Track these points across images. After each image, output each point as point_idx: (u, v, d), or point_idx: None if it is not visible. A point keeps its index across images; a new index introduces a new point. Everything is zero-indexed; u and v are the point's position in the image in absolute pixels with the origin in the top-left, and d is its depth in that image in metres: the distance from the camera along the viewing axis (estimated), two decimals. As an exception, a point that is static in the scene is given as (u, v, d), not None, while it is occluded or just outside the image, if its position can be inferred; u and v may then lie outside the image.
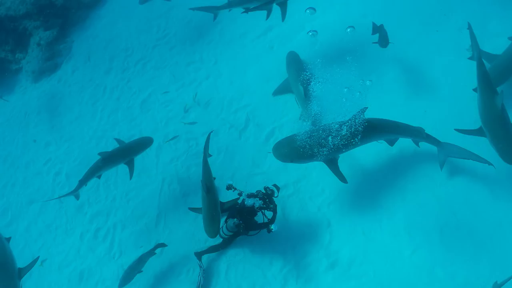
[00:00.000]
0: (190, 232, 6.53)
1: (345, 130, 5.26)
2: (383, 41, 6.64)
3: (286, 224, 6.14)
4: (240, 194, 5.84)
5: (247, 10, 7.12)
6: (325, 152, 5.34)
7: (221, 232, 5.89)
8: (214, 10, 7.98)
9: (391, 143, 5.82)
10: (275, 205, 5.81)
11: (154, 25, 9.70)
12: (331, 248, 5.86)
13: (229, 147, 7.25)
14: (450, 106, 6.36)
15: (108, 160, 6.46)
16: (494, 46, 6.37)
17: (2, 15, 10.31)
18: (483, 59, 5.36)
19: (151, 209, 7.10)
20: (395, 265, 5.51)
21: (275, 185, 5.90)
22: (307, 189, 6.39)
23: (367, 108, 5.26)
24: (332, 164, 5.61)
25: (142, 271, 6.12)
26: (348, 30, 6.95)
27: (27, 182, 8.52)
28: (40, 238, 7.60)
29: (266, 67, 7.90)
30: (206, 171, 5.85)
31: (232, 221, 5.76)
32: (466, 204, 5.62)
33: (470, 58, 6.20)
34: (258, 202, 5.67)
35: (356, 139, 5.30)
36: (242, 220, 5.73)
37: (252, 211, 5.71)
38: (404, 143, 6.02)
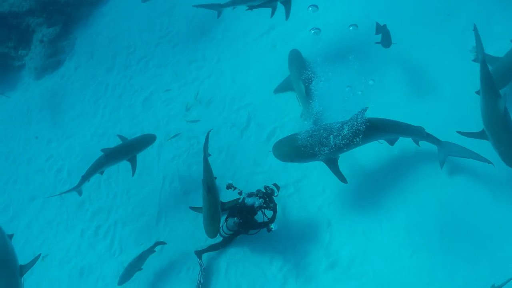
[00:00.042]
0: (191, 231, 6.54)
1: (345, 129, 5.26)
2: (386, 41, 6.63)
3: (286, 224, 6.15)
4: (240, 193, 5.84)
5: (251, 8, 7.11)
6: (325, 152, 5.33)
7: (221, 231, 5.90)
8: (218, 7, 7.97)
9: (392, 142, 5.82)
10: (275, 204, 5.81)
11: (157, 23, 9.70)
12: (331, 248, 5.87)
13: (230, 146, 7.25)
14: (453, 108, 6.34)
15: (111, 156, 6.47)
16: (497, 48, 6.34)
17: (5, 11, 10.31)
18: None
19: (152, 207, 7.11)
20: (395, 266, 5.51)
21: (275, 184, 5.91)
22: (308, 188, 6.39)
23: (367, 108, 5.25)
24: (332, 164, 5.61)
25: (142, 268, 6.14)
26: (351, 28, 6.93)
27: (29, 179, 8.54)
28: (41, 235, 7.63)
29: (269, 66, 7.89)
30: (207, 170, 5.85)
31: (232, 220, 5.77)
32: (467, 205, 5.61)
33: (474, 60, 6.18)
34: (258, 201, 5.67)
35: (356, 138, 5.30)
36: (242, 219, 5.73)
37: (252, 210, 5.72)
38: (405, 143, 6.01)
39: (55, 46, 10.33)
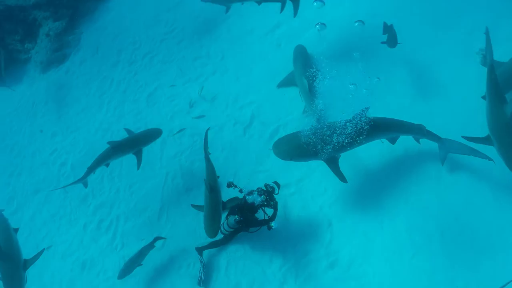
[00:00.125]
0: (192, 227, 6.57)
1: (346, 128, 5.25)
2: (392, 41, 6.59)
3: (287, 223, 6.17)
4: (241, 191, 5.86)
5: (259, 2, 7.09)
6: (325, 151, 5.33)
7: (222, 228, 5.93)
8: (227, 3, 7.95)
9: (393, 141, 5.81)
10: (276, 202, 5.82)
11: (163, 19, 9.70)
12: (331, 247, 5.89)
13: (233, 144, 7.27)
14: (457, 110, 6.31)
15: (117, 149, 6.51)
16: (504, 51, 6.27)
17: (12, 4, 10.35)
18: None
19: (154, 202, 7.16)
20: (395, 267, 5.52)
21: (275, 182, 5.91)
22: (309, 188, 6.40)
23: (369, 107, 5.23)
24: (333, 163, 5.61)
25: (142, 264, 6.20)
26: (356, 24, 6.85)
27: (33, 172, 8.61)
28: (45, 227, 7.71)
29: (273, 64, 7.88)
30: (210, 169, 5.87)
31: (233, 218, 5.79)
32: (469, 208, 5.60)
33: (483, 64, 6.12)
34: (259, 198, 5.68)
35: (357, 138, 5.29)
36: (243, 217, 5.75)
37: (253, 208, 5.73)
38: (407, 144, 6.01)
39: (61, 40, 10.37)
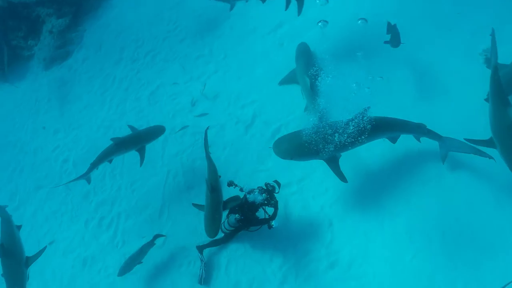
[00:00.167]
0: (193, 225, 6.58)
1: (347, 128, 5.24)
2: (395, 41, 6.57)
3: (287, 222, 6.17)
4: (241, 190, 5.86)
5: (264, 0, 7.09)
6: (326, 150, 5.32)
7: (223, 227, 5.95)
8: (231, 0, 7.95)
9: (394, 140, 5.80)
10: (276, 201, 5.82)
11: (165, 17, 9.71)
12: (331, 247, 5.88)
13: (235, 143, 7.27)
14: (459, 111, 6.27)
15: (120, 145, 6.54)
16: (508, 52, 6.25)
17: (16, 1, 10.38)
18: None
19: (155, 200, 7.18)
20: (395, 268, 5.51)
21: (276, 181, 5.91)
22: (311, 188, 6.40)
23: (370, 107, 5.22)
24: (333, 162, 5.60)
25: (142, 262, 6.22)
26: (359, 22, 6.83)
27: (35, 168, 8.66)
28: (46, 224, 7.75)
29: (275, 64, 7.87)
30: (212, 169, 5.87)
31: (234, 217, 5.80)
32: (469, 210, 5.58)
33: (488, 66, 6.09)
34: (260, 197, 5.67)
35: (358, 137, 5.29)
36: (244, 216, 5.76)
37: (253, 206, 5.74)
38: (408, 144, 5.99)
39: (64, 37, 10.41)
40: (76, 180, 6.74)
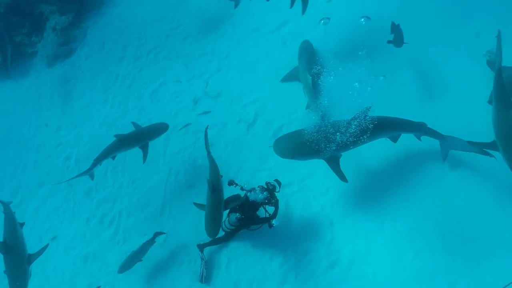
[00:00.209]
0: (194, 223, 6.60)
1: (348, 127, 5.23)
2: (398, 41, 6.54)
3: (288, 222, 6.18)
4: (242, 189, 5.87)
5: None
6: (326, 150, 5.32)
7: (224, 226, 5.96)
8: None
9: (395, 139, 5.79)
10: (277, 200, 5.82)
11: (168, 15, 9.70)
12: (332, 247, 5.89)
13: (236, 142, 7.28)
14: (462, 113, 6.24)
15: (123, 142, 6.56)
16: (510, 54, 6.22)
17: (19, -2, 10.42)
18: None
19: (157, 198, 7.20)
20: (396, 269, 5.51)
21: (276, 180, 5.91)
22: (312, 188, 6.40)
23: (371, 106, 5.21)
24: (333, 162, 5.59)
25: (142, 260, 6.24)
26: (362, 20, 6.79)
27: (38, 165, 8.69)
28: (48, 220, 7.79)
29: (278, 63, 7.85)
30: (213, 169, 5.86)
31: (234, 216, 5.81)
32: (470, 211, 5.58)
33: (491, 68, 6.05)
34: (261, 196, 5.67)
35: (359, 137, 5.28)
36: (244, 215, 5.77)
37: (254, 206, 5.74)
38: (410, 145, 5.99)
39: (67, 35, 10.41)
40: (80, 176, 6.75)
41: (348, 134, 5.27)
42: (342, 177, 5.66)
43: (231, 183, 5.90)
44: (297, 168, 6.52)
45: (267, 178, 6.13)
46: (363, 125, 5.25)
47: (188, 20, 9.43)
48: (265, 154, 6.92)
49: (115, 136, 6.56)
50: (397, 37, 6.54)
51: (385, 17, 7.00)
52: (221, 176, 5.94)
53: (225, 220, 5.94)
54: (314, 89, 6.53)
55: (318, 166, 6.38)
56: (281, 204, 5.98)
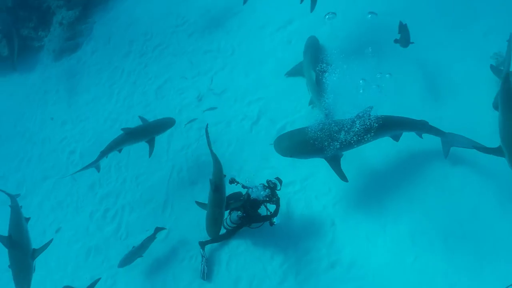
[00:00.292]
0: (196, 220, 6.62)
1: (350, 126, 5.21)
2: (404, 41, 6.49)
3: (289, 221, 6.18)
4: (244, 187, 5.88)
5: None
6: (326, 149, 5.30)
7: (225, 224, 5.98)
8: None
9: (397, 138, 5.77)
10: (278, 198, 5.82)
11: (174, 11, 9.70)
12: (333, 247, 5.89)
13: (240, 139, 7.29)
14: (468, 114, 6.19)
15: (130, 135, 6.61)
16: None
17: (27, -8, 10.48)
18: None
19: (159, 194, 7.24)
20: (396, 271, 5.50)
21: (277, 178, 5.90)
22: (314, 187, 6.39)
23: (373, 106, 5.18)
24: (334, 161, 5.56)
25: (142, 256, 6.30)
26: (369, 16, 6.73)
27: (43, 159, 8.78)
28: (52, 214, 7.86)
29: (283, 61, 7.82)
30: (217, 168, 5.85)
31: (236, 214, 5.83)
32: (474, 216, 5.54)
33: (494, 74, 6.00)
34: (263, 193, 5.66)
35: (360, 136, 5.25)
36: (245, 213, 5.78)
37: (255, 204, 5.75)
38: (413, 146, 5.97)
39: (74, 29, 10.46)
40: (87, 168, 6.79)
41: (349, 133, 5.25)
42: (343, 177, 5.65)
43: (232, 181, 5.90)
44: (300, 167, 6.52)
45: (270, 176, 6.12)
46: (365, 124, 5.22)
47: (193, 16, 9.42)
48: (268, 153, 6.91)
49: (122, 129, 6.61)
50: (404, 37, 6.49)
51: (392, 15, 6.93)
52: (225, 175, 5.92)
53: (226, 218, 5.96)
54: (318, 86, 6.50)
55: (320, 166, 6.34)
56: (283, 203, 5.98)
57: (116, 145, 6.62)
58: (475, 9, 7.16)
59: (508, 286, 4.58)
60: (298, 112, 7.20)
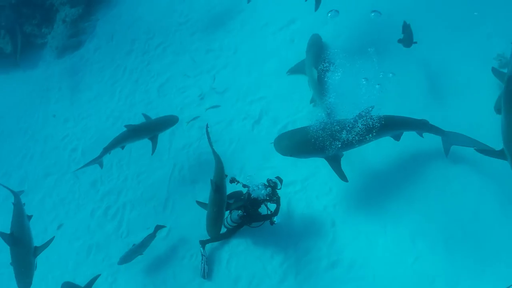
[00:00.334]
0: (196, 219, 6.61)
1: (350, 126, 5.20)
2: (407, 41, 6.47)
3: (290, 221, 6.18)
4: (244, 186, 5.88)
5: None
6: (326, 148, 5.29)
7: (225, 223, 5.98)
8: None
9: (397, 138, 5.75)
10: (278, 197, 5.81)
11: (177, 9, 9.70)
12: (333, 248, 5.88)
13: (241, 138, 7.28)
14: (470, 117, 6.15)
15: (133, 132, 6.63)
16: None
17: (30, -11, 10.52)
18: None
19: (160, 192, 7.25)
20: (396, 272, 5.49)
21: (278, 177, 5.89)
22: (315, 187, 6.38)
23: (374, 106, 5.17)
24: (334, 161, 5.55)
25: (143, 253, 6.31)
26: (372, 14, 6.68)
27: (45, 156, 8.81)
28: (53, 211, 7.90)
29: (285, 60, 7.80)
30: (218, 168, 5.85)
31: (237, 213, 5.83)
32: (474, 218, 5.51)
33: (496, 76, 5.97)
34: (263, 192, 5.64)
35: (360, 136, 5.24)
36: (246, 212, 5.78)
37: (256, 203, 5.75)
38: (415, 148, 5.95)
39: (77, 27, 10.49)
40: (90, 165, 6.81)
41: (349, 133, 5.24)
42: (343, 177, 5.63)
43: (232, 180, 5.91)
44: (301, 167, 6.51)
45: (271, 176, 6.12)
46: (366, 124, 5.21)
47: (196, 15, 9.42)
48: (269, 152, 6.87)
49: (126, 126, 6.62)
50: (407, 37, 6.47)
51: (396, 15, 6.91)
52: (226, 175, 5.91)
53: (227, 217, 5.96)
54: (319, 84, 6.49)
55: (321, 166, 6.34)
56: (283, 202, 5.97)
57: (119, 142, 6.65)
58: (479, 10, 7.11)
59: (509, 287, 4.55)
60: (300, 111, 7.19)
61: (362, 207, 6.04)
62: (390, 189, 6.02)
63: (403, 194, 5.94)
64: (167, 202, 7.12)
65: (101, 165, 6.86)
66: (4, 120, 9.93)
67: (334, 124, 5.31)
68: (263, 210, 5.92)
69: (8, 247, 5.46)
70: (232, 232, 6.18)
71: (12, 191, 6.23)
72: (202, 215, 6.47)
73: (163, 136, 7.45)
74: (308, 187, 6.42)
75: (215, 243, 6.30)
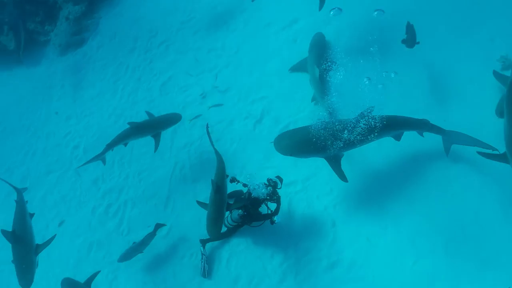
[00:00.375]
0: (197, 218, 6.62)
1: (351, 126, 5.19)
2: (410, 41, 6.44)
3: (290, 220, 6.19)
4: (245, 186, 5.88)
5: None
6: (326, 148, 5.29)
7: (226, 222, 5.99)
8: None
9: (398, 138, 5.74)
10: (279, 197, 5.81)
11: (180, 7, 9.70)
12: (333, 248, 5.88)
13: (243, 138, 7.29)
14: (472, 119, 6.13)
15: (136, 129, 6.66)
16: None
17: (34, -14, 10.53)
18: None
19: (162, 191, 7.27)
20: (396, 273, 5.49)
21: (278, 177, 5.88)
22: (316, 187, 6.38)
23: (374, 106, 5.16)
24: (334, 161, 5.54)
25: (143, 252, 6.33)
26: (375, 13, 6.65)
27: (47, 153, 8.84)
28: (55, 208, 7.92)
29: (287, 60, 7.79)
30: (220, 169, 5.84)
31: (237, 213, 5.84)
32: (475, 219, 5.51)
33: (497, 79, 5.95)
34: (264, 192, 5.64)
35: (361, 136, 5.23)
36: (246, 211, 5.79)
37: (256, 202, 5.75)
38: (416, 149, 5.95)
39: (80, 24, 10.50)
40: (92, 161, 6.84)
41: (350, 133, 5.23)
42: (342, 177, 5.63)
43: (233, 179, 5.91)
44: (302, 167, 6.51)
45: (272, 175, 6.12)
46: (366, 124, 5.20)
47: (199, 14, 9.41)
48: (270, 152, 6.83)
49: (129, 123, 6.64)
50: (410, 38, 6.44)
51: (399, 15, 6.88)
52: (227, 175, 5.90)
53: (227, 217, 5.97)
54: (321, 83, 6.48)
55: (322, 166, 6.31)
56: (284, 202, 5.98)
57: (122, 139, 6.68)
58: (483, 12, 7.09)
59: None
60: (302, 111, 7.19)
61: (362, 208, 6.04)
62: (390, 190, 6.02)
63: (403, 194, 5.94)
64: (168, 200, 7.14)
65: (104, 162, 6.89)
66: (6, 116, 9.96)
67: (335, 123, 5.30)
68: (263, 209, 5.93)
69: (10, 245, 5.48)
70: (233, 231, 6.19)
71: (15, 188, 6.25)
72: (203, 214, 6.46)
73: (165, 134, 7.44)
74: (309, 187, 6.42)
75: (215, 242, 6.32)
